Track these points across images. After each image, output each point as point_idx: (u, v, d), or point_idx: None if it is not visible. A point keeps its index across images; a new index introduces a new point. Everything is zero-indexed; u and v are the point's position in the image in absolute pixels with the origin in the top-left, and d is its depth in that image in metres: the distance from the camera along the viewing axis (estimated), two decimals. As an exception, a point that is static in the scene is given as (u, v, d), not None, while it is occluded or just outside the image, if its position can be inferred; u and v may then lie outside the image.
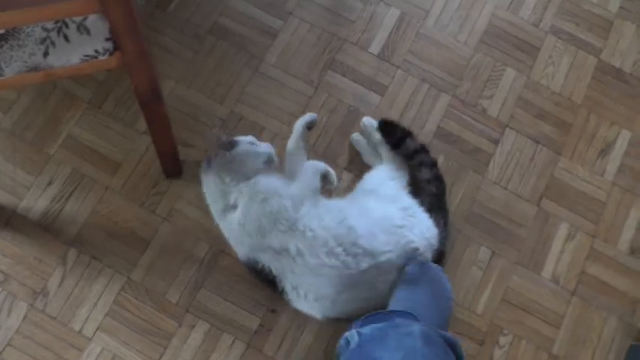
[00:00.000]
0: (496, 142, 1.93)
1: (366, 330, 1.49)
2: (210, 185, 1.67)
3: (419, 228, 1.65)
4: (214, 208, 1.68)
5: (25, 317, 1.71)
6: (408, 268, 1.60)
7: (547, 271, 1.83)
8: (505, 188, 1.89)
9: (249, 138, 1.71)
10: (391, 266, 1.60)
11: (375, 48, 1.99)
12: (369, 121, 1.86)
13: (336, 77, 1.95)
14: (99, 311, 1.73)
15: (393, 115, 1.92)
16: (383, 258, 1.58)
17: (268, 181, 1.64)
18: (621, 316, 1.82)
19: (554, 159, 1.93)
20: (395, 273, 1.60)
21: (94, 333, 1.71)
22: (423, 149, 1.80)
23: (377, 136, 1.83)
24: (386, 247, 1.59)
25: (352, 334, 1.50)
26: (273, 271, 1.61)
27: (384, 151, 1.81)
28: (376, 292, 1.60)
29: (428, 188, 1.76)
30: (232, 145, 1.66)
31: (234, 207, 1.63)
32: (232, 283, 1.76)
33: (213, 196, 1.67)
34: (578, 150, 1.94)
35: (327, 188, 1.77)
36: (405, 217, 1.65)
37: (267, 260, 1.61)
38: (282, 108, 1.91)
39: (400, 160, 1.79)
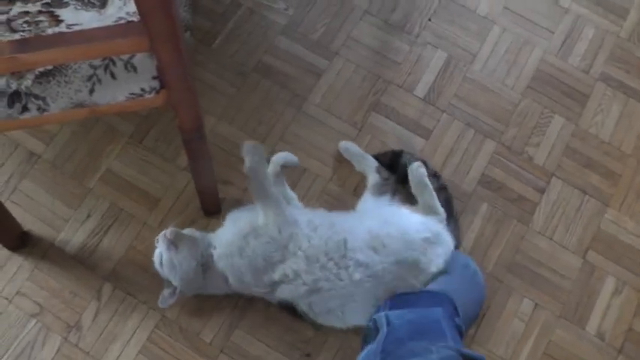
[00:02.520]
0: (542, 191, 1.88)
1: (395, 319, 1.47)
2: (211, 289, 1.67)
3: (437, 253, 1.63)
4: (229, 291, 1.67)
5: (58, 351, 1.69)
6: None
7: (592, 327, 1.77)
8: (550, 239, 1.84)
9: (155, 260, 1.65)
10: (392, 275, 1.58)
11: (420, 91, 1.96)
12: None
13: (380, 119, 1.92)
14: (132, 348, 1.70)
15: (437, 161, 1.89)
16: (379, 267, 1.56)
17: (223, 233, 1.64)
18: (669, 377, 1.75)
19: (602, 210, 1.87)
20: (400, 280, 1.58)
21: (127, 370, 1.70)
22: (423, 162, 1.78)
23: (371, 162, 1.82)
24: (387, 258, 1.57)
25: (380, 318, 1.49)
26: (289, 300, 1.60)
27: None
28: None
29: (438, 196, 1.73)
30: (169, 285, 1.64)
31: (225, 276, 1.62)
32: (268, 325, 1.73)
33: (217, 289, 1.67)
34: (627, 202, 1.89)
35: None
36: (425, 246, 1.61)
37: (278, 294, 1.60)
38: (325, 149, 1.88)
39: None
